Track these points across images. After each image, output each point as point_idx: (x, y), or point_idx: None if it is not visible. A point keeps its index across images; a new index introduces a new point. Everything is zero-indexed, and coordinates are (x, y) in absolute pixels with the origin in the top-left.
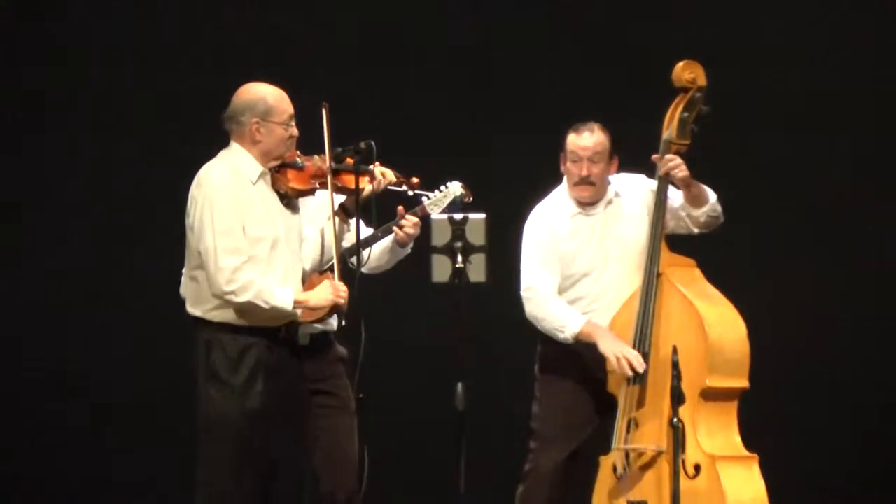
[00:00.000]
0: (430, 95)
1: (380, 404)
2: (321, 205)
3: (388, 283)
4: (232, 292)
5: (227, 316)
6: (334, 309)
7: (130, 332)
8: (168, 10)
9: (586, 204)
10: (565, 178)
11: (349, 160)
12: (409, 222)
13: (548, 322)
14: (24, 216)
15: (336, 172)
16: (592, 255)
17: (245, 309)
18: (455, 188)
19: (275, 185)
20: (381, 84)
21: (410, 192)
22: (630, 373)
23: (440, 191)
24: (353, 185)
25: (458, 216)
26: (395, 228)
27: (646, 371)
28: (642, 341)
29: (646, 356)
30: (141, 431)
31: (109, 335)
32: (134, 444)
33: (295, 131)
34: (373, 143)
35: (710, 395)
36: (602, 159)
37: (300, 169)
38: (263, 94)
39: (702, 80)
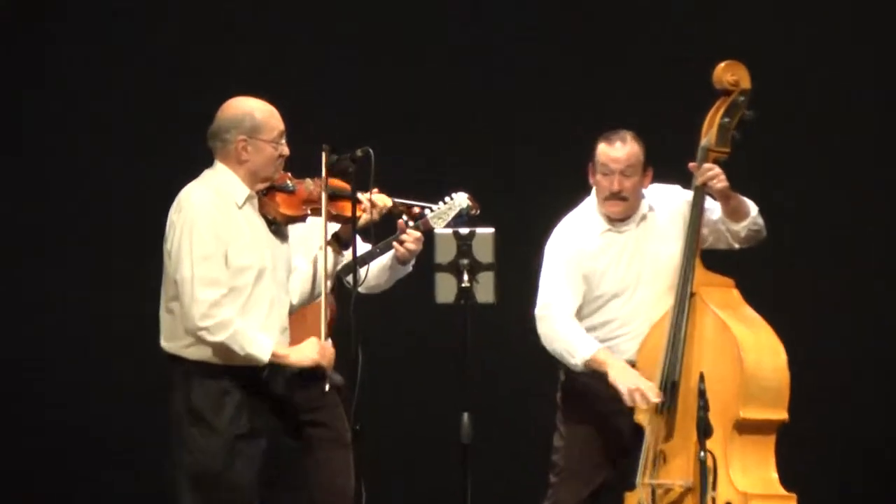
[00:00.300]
0: (433, 99)
1: (378, 436)
2: (312, 232)
3: (388, 305)
4: (206, 328)
5: (203, 353)
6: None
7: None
8: (167, 11)
9: (617, 220)
10: (594, 190)
11: (339, 184)
12: (411, 237)
13: (558, 344)
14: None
15: (330, 199)
16: (623, 274)
17: (218, 348)
18: (461, 200)
19: (262, 210)
20: (381, 88)
21: (411, 223)
22: (644, 406)
23: (444, 202)
24: (348, 213)
25: (464, 230)
26: (395, 244)
27: (675, 400)
28: (672, 366)
29: (675, 384)
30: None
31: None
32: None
33: (285, 150)
34: (370, 150)
35: (745, 428)
36: (635, 172)
37: (291, 193)
38: (251, 110)
39: (745, 83)
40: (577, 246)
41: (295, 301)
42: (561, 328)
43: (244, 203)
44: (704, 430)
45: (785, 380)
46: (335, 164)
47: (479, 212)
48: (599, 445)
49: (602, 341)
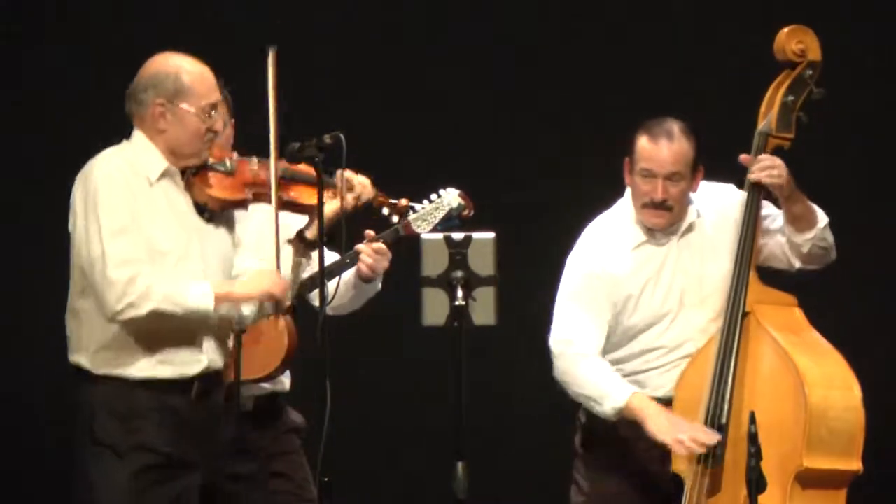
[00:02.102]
0: (416, 78)
1: (352, 490)
2: (267, 226)
3: (363, 328)
4: (129, 305)
5: (118, 363)
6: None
7: None
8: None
9: (657, 230)
10: (630, 192)
11: (301, 167)
12: (368, 249)
13: (582, 390)
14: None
15: (286, 181)
16: (662, 299)
17: (152, 330)
18: (451, 197)
19: (191, 193)
20: (370, 77)
21: (395, 218)
22: (701, 450)
23: (431, 201)
24: (305, 200)
25: (457, 235)
26: (359, 254)
27: (722, 447)
28: (718, 405)
29: (722, 427)
30: None
31: None
32: None
33: (217, 125)
34: (342, 136)
35: (809, 480)
36: (683, 177)
37: (228, 173)
38: (177, 69)
39: (814, 53)
40: (603, 267)
41: (246, 310)
42: (585, 371)
43: (159, 178)
44: (756, 484)
45: (859, 421)
46: (298, 153)
47: (472, 212)
48: (631, 500)
49: (630, 374)
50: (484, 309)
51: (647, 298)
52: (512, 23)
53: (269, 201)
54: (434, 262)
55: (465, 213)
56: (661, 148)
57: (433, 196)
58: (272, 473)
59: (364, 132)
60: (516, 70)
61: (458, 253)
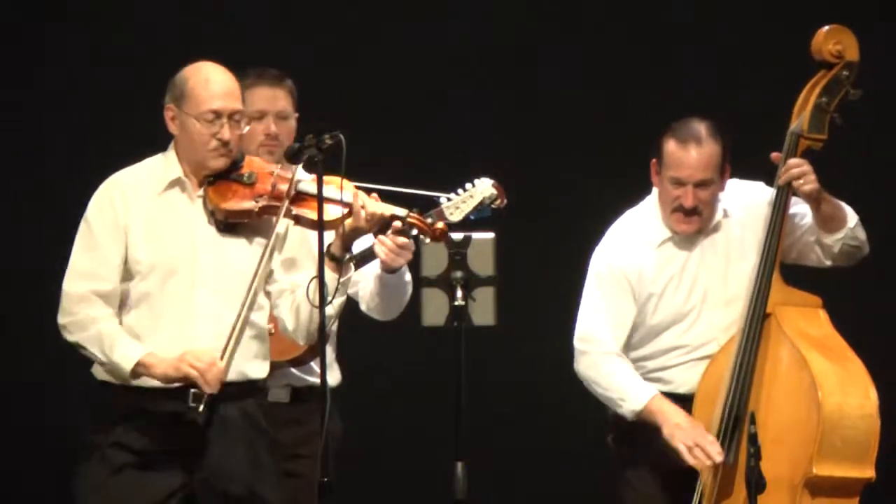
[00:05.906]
0: (413, 75)
1: (352, 490)
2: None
3: (363, 329)
4: (64, 326)
5: (101, 371)
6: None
7: None
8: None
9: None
10: (657, 194)
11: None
12: (384, 242)
13: (604, 390)
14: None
15: (301, 196)
16: (684, 297)
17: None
18: (484, 187)
19: (206, 202)
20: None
21: (427, 241)
22: (708, 463)
23: (465, 190)
24: (314, 214)
25: (456, 236)
26: (376, 241)
27: (735, 447)
28: (736, 406)
29: (737, 427)
30: None
31: None
32: None
33: (224, 134)
34: (341, 136)
35: (819, 488)
36: (713, 181)
37: (245, 184)
38: (189, 74)
39: (852, 54)
40: (628, 263)
41: (290, 325)
42: (607, 371)
43: (165, 190)
44: (756, 484)
45: (874, 429)
46: (297, 154)
47: (504, 203)
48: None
49: (653, 371)
50: (483, 309)
51: (670, 297)
52: (512, 21)
53: (279, 215)
54: (434, 263)
55: (498, 202)
56: (689, 155)
57: (467, 185)
58: (290, 474)
59: (372, 135)
60: (517, 69)
61: (457, 253)
